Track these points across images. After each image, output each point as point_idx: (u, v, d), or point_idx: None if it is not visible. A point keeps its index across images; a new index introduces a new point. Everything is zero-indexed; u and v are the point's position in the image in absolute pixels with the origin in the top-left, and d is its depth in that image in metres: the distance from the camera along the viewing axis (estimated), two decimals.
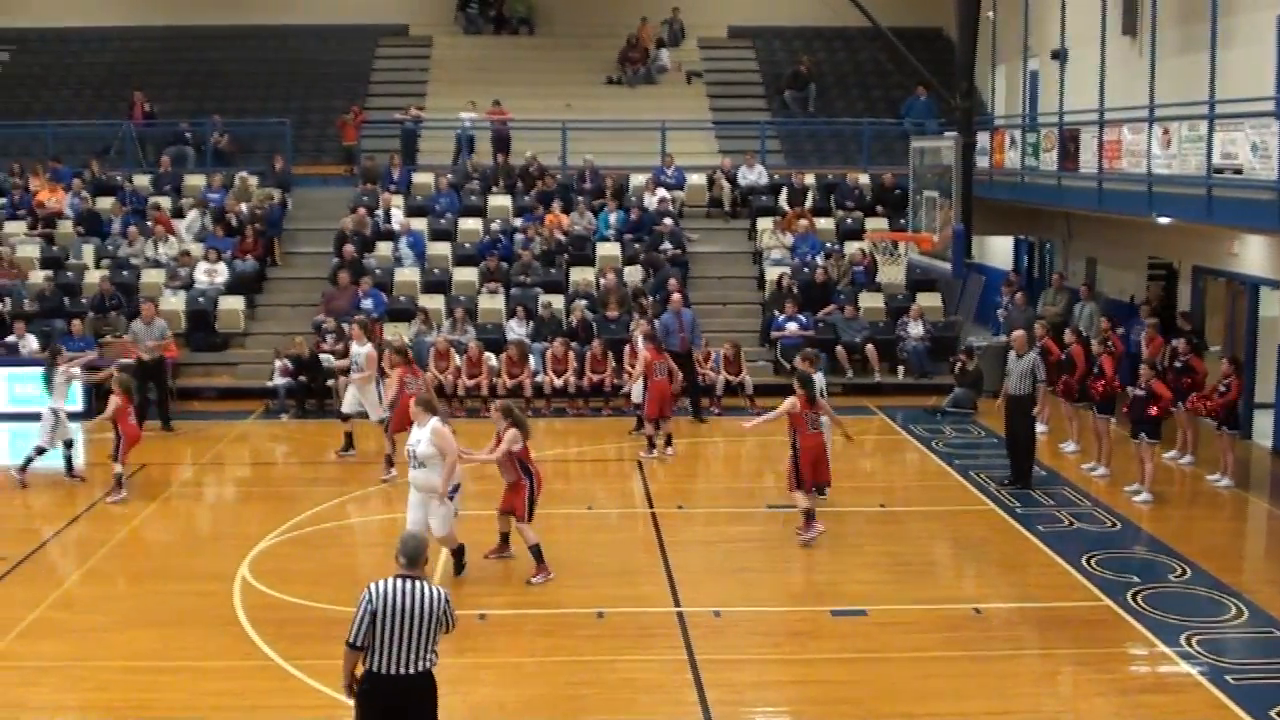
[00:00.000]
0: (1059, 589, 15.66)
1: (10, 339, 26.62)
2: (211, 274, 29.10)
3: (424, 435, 15.10)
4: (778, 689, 13.00)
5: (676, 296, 25.86)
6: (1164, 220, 23.25)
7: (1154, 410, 19.20)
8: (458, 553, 15.88)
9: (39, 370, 22.69)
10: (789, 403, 17.50)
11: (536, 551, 15.88)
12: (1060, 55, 27.70)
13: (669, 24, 39.66)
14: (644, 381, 22.53)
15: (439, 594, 9.63)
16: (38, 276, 29.11)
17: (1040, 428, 22.37)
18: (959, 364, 26.33)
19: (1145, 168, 21.69)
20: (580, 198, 31.92)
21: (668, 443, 22.52)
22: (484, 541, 16.49)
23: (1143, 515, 18.74)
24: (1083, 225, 28.82)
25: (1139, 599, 15.08)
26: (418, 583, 9.56)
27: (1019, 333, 20.95)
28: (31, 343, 26.48)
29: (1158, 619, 14.44)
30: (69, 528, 18.32)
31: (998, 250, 35.28)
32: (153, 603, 15.23)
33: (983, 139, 29.18)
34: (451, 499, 15.38)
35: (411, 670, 9.51)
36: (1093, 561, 16.44)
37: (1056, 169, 25.45)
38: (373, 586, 9.53)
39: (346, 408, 22.35)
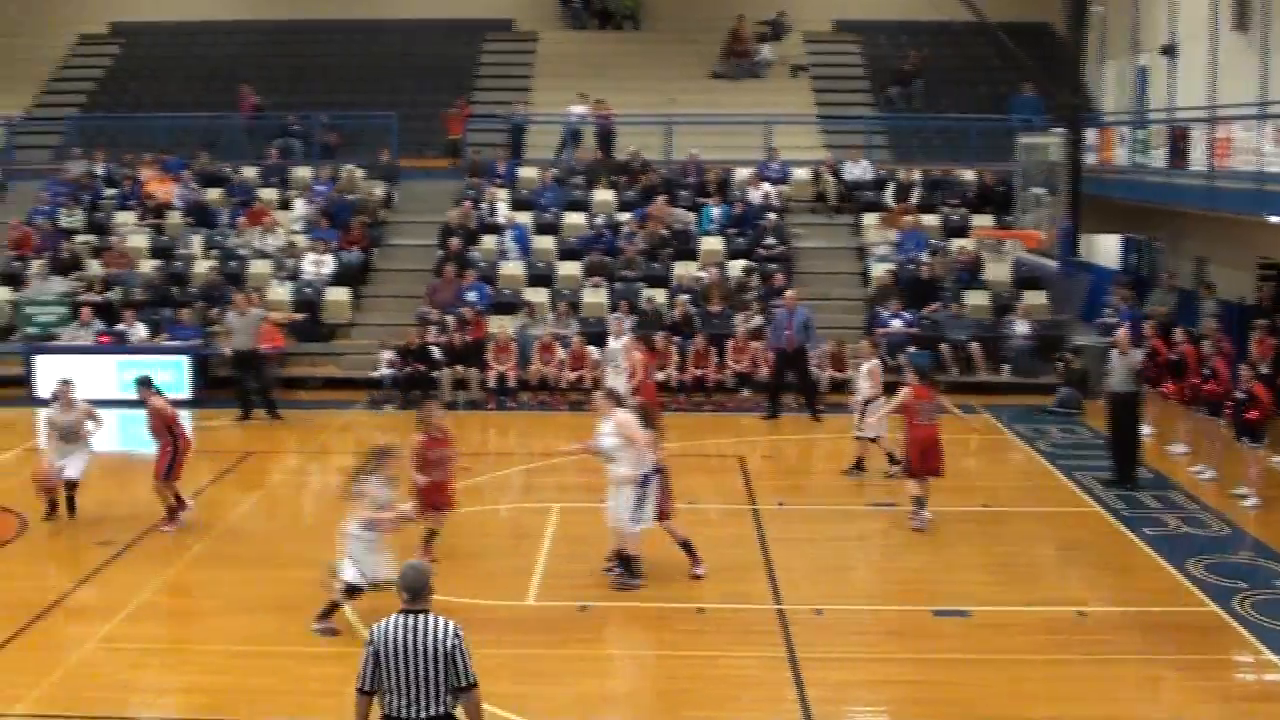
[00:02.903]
0: (1164, 593, 15.46)
1: (120, 327, 27.07)
2: (318, 265, 29.42)
3: (608, 428, 15.25)
4: (878, 689, 12.95)
5: (790, 293, 25.82)
6: (1275, 219, 22.90)
7: (1254, 413, 18.93)
8: (629, 559, 15.51)
9: (147, 359, 23.19)
10: (904, 393, 17.78)
11: (684, 548, 15.89)
12: (1170, 50, 27.41)
13: (772, 25, 39.45)
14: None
15: (446, 630, 8.72)
16: (147, 266, 29.64)
17: (1145, 429, 22.12)
18: (1065, 363, 26.08)
19: (1257, 165, 21.37)
20: (683, 192, 31.94)
21: None
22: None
23: (1251, 519, 18.45)
24: (1192, 224, 28.43)
25: (1246, 605, 14.84)
26: (421, 618, 8.75)
27: (1122, 331, 20.71)
28: (141, 330, 26.93)
29: (1265, 626, 14.20)
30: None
31: (1104, 249, 34.90)
32: (257, 589, 15.44)
33: (1091, 135, 28.89)
34: (644, 486, 15.30)
35: (424, 715, 8.69)
36: (1199, 566, 16.22)
37: (1166, 166, 25.13)
38: (375, 626, 8.84)
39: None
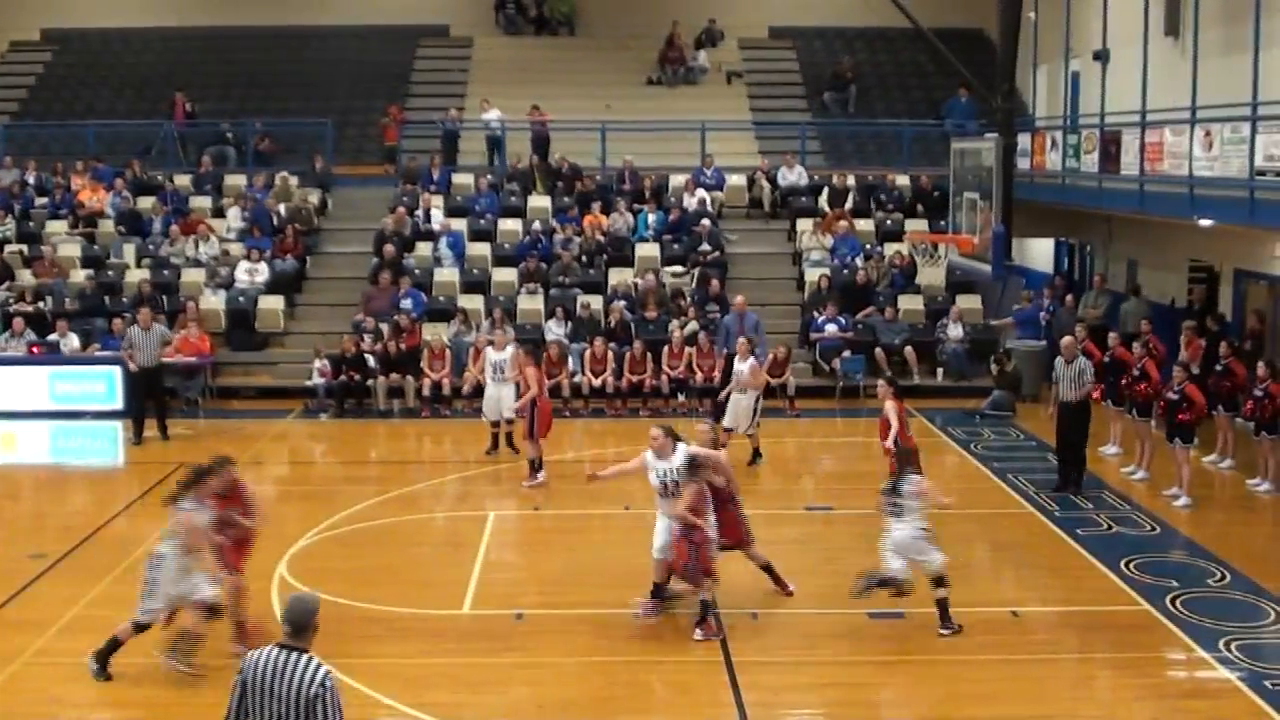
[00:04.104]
0: (1097, 593, 15.59)
1: (52, 337, 26.79)
2: (252, 273, 29.22)
3: (677, 462, 14.47)
4: (814, 691, 12.96)
5: (740, 299, 25.77)
6: (1205, 223, 23.13)
7: (1185, 415, 19.10)
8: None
9: (80, 369, 22.84)
10: (893, 409, 17.65)
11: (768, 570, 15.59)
12: (1102, 56, 27.60)
13: (706, 32, 39.51)
14: (532, 406, 20.56)
15: (314, 676, 8.04)
16: (79, 275, 29.34)
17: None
18: (998, 366, 26.23)
19: (1187, 170, 21.57)
20: (619, 199, 31.93)
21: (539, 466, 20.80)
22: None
23: (1182, 519, 18.63)
24: (1124, 227, 28.67)
25: (1178, 604, 14.99)
26: (294, 655, 8.10)
27: (1067, 339, 20.70)
28: (73, 341, 26.66)
29: (1196, 624, 14.36)
30: (108, 526, 18.41)
31: (1037, 253, 35.13)
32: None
33: (1023, 140, 29.11)
34: None
35: None
36: (1131, 566, 16.35)
37: (1097, 171, 25.32)
38: (250, 654, 8.29)
39: None
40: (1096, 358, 22.06)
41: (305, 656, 8.11)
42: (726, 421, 21.29)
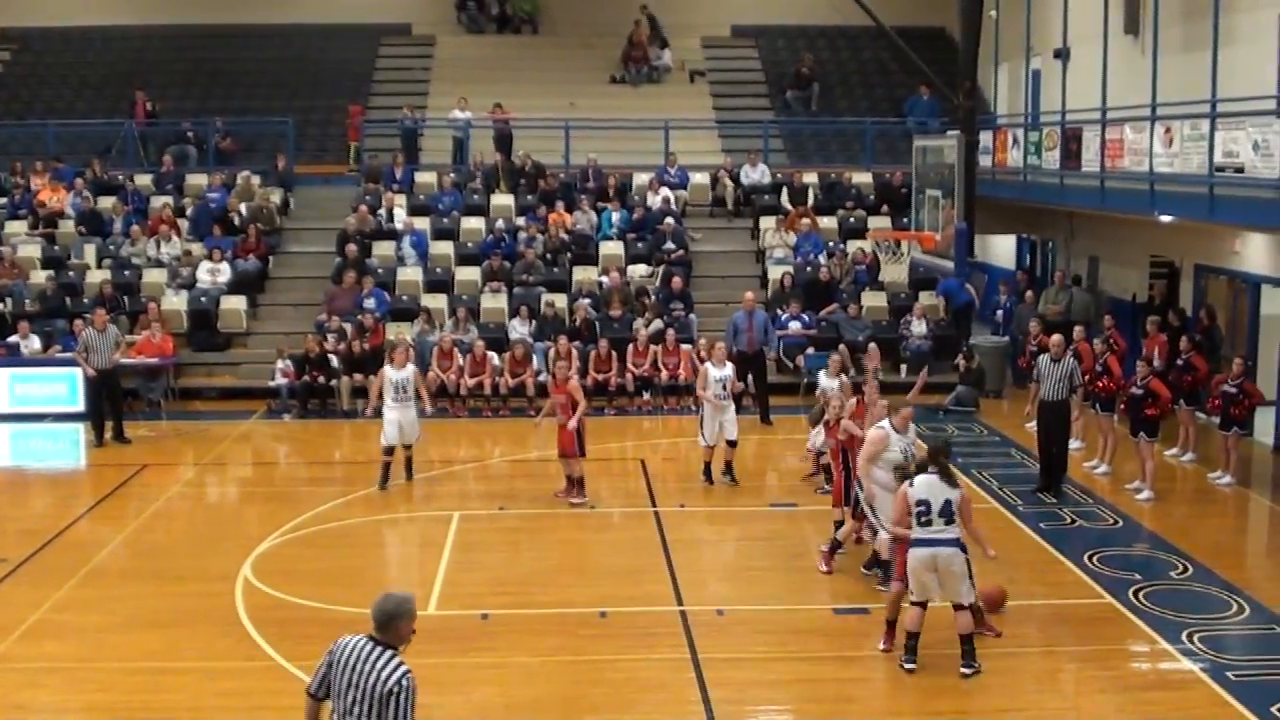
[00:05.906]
0: (1061, 586, 15.68)
1: (13, 339, 26.61)
2: (214, 274, 29.08)
3: (907, 442, 15.22)
4: (781, 688, 12.97)
5: (750, 295, 25.70)
6: (1166, 219, 23.26)
7: (1152, 410, 19.20)
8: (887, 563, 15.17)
9: (40, 371, 22.60)
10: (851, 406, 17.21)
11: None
12: (1062, 54, 27.74)
13: (649, 18, 39.10)
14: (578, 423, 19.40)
15: (393, 674, 8.09)
16: (39, 276, 29.11)
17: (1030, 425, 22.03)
18: (963, 362, 26.31)
19: (1147, 166, 21.69)
20: (583, 197, 31.90)
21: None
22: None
23: (1144, 513, 18.75)
24: (1085, 224, 28.80)
25: (1141, 596, 15.09)
26: (378, 650, 8.20)
27: (1057, 337, 20.53)
28: (34, 343, 26.47)
29: (1160, 616, 14.46)
30: (70, 529, 18.31)
31: (1000, 249, 35.24)
32: (155, 604, 15.22)
33: (985, 138, 29.19)
34: None
35: None
36: (1095, 559, 16.45)
37: (1059, 168, 25.45)
38: (342, 638, 8.39)
39: None
40: (1087, 360, 21.63)
41: (389, 653, 8.20)
42: (711, 436, 20.21)
